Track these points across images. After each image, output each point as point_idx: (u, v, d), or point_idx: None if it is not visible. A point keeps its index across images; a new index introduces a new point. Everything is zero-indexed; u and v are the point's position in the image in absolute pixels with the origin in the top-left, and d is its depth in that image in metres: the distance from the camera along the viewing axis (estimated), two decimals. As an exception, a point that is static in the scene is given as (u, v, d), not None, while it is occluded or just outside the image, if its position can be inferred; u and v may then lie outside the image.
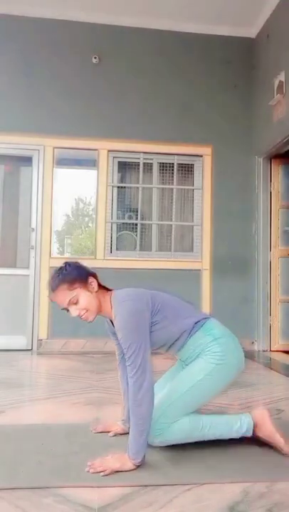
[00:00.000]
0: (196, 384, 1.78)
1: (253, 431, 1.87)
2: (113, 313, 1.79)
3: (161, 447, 1.82)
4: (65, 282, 1.78)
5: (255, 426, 1.86)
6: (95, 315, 1.84)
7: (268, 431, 1.85)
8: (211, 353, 1.81)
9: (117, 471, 1.60)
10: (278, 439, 1.83)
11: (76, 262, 1.88)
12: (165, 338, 1.84)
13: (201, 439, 1.82)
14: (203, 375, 1.79)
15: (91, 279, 1.83)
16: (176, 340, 1.85)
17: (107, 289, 1.89)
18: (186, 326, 1.85)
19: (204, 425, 1.81)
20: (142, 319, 1.72)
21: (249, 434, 1.86)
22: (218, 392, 1.88)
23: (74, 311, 1.80)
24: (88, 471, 1.60)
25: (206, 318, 1.92)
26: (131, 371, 1.67)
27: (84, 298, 1.79)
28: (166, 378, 2.09)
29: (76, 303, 1.79)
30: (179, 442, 1.80)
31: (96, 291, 1.83)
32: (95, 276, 1.87)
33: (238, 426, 1.84)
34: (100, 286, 1.86)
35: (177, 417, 1.76)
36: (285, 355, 4.65)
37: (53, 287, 1.80)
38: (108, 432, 2.02)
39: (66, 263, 1.85)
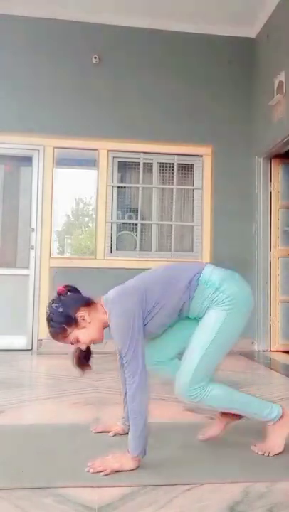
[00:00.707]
0: (215, 337, 1.76)
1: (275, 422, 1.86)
2: (108, 319, 1.78)
3: (161, 447, 1.82)
4: (57, 334, 1.78)
5: (281, 417, 1.85)
6: (102, 336, 1.83)
7: (278, 432, 1.84)
8: (219, 302, 1.78)
9: (117, 471, 1.60)
10: (278, 444, 1.82)
11: (59, 302, 1.78)
12: (168, 315, 1.81)
13: (231, 409, 1.85)
14: (219, 325, 1.76)
15: (80, 314, 1.77)
16: (180, 311, 1.83)
17: (94, 301, 1.84)
18: (182, 294, 1.79)
19: (239, 399, 1.83)
20: (132, 319, 1.70)
21: (272, 422, 1.84)
22: (239, 334, 1.86)
23: (82, 346, 1.82)
24: (88, 471, 1.60)
25: (197, 272, 1.83)
26: (127, 370, 1.68)
27: (83, 335, 1.79)
28: (171, 336, 1.99)
29: (78, 341, 1.80)
30: (215, 406, 1.81)
31: (90, 320, 1.79)
32: (82, 303, 1.80)
33: (267, 411, 1.84)
34: (88, 304, 1.81)
35: (208, 375, 1.77)
36: (285, 355, 4.65)
37: (51, 337, 1.81)
38: (108, 431, 2.02)
39: (51, 310, 1.78)
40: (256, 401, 1.87)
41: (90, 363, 1.88)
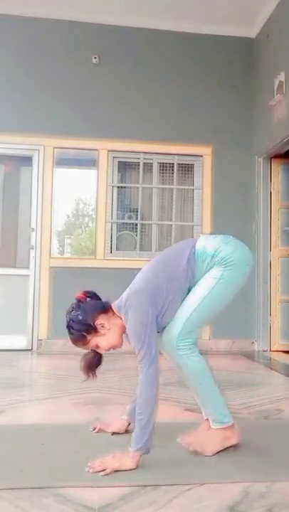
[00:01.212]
0: (210, 292, 1.78)
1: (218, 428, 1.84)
2: (124, 322, 1.79)
3: (161, 447, 1.82)
4: (77, 341, 1.80)
5: (228, 428, 1.84)
6: (122, 341, 1.84)
7: (218, 439, 1.82)
8: (216, 264, 1.81)
9: (117, 471, 1.60)
10: (213, 449, 1.80)
11: (78, 309, 1.79)
12: (179, 302, 1.83)
13: (199, 389, 1.83)
14: (215, 281, 1.79)
15: (99, 321, 1.78)
16: (188, 290, 1.85)
17: (109, 307, 1.83)
18: (185, 276, 1.81)
19: (210, 382, 1.83)
20: (146, 318, 1.72)
21: (219, 426, 1.82)
22: (235, 292, 1.87)
23: (101, 351, 1.83)
24: (88, 471, 1.60)
25: (191, 248, 1.84)
26: (140, 366, 1.70)
27: (102, 342, 1.80)
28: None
29: (98, 347, 1.81)
30: (188, 372, 1.80)
31: (109, 327, 1.79)
32: (101, 310, 1.80)
33: (224, 413, 1.84)
34: (106, 311, 1.81)
35: (197, 328, 1.80)
36: (285, 355, 4.65)
37: (72, 344, 1.82)
38: (107, 430, 2.02)
39: (70, 317, 1.79)
40: (221, 396, 1.86)
41: (98, 371, 1.87)
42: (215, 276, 1.80)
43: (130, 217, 5.02)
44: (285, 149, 4.65)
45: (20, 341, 4.68)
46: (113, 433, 1.99)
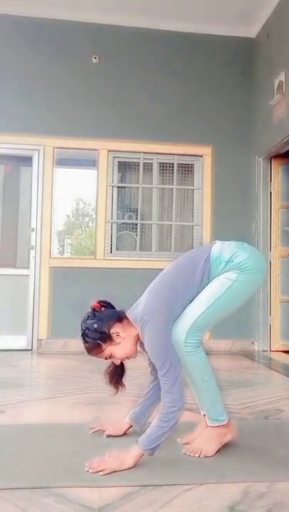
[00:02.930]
0: (224, 293, 1.79)
1: (212, 426, 1.85)
2: (140, 334, 1.79)
3: (161, 447, 1.82)
4: (92, 349, 1.79)
5: (224, 426, 1.84)
6: (136, 351, 1.84)
7: (216, 437, 1.83)
8: (231, 268, 1.81)
9: (116, 470, 1.61)
10: (212, 449, 1.81)
11: (94, 318, 1.79)
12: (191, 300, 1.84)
13: (199, 385, 1.83)
14: (230, 283, 1.80)
15: (114, 330, 1.78)
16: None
17: (124, 315, 1.83)
18: (200, 282, 1.82)
19: (212, 380, 1.84)
20: (166, 337, 1.74)
21: (215, 424, 1.83)
22: (248, 296, 1.89)
23: (116, 361, 1.84)
24: (87, 471, 1.60)
25: (206, 255, 1.84)
26: (164, 380, 1.70)
27: (117, 351, 1.80)
28: None
29: (113, 356, 1.81)
30: (191, 368, 1.80)
31: (124, 336, 1.79)
32: (116, 319, 1.80)
33: (220, 410, 1.85)
34: (121, 320, 1.81)
35: (206, 327, 1.83)
36: (285, 355, 4.64)
37: (87, 352, 1.82)
38: (103, 431, 2.01)
39: (86, 325, 1.79)
40: (219, 394, 1.87)
41: (124, 380, 1.88)
42: (230, 278, 1.80)
43: (130, 217, 5.02)
44: (285, 149, 4.65)
45: (20, 341, 4.68)
46: (108, 436, 1.98)
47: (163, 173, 5.10)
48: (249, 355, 4.53)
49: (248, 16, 4.90)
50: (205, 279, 1.83)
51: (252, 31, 5.11)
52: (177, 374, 1.70)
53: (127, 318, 1.83)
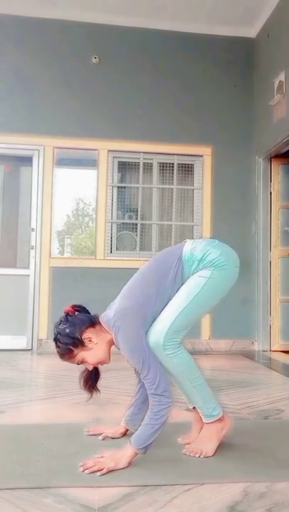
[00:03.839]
0: (199, 292, 1.77)
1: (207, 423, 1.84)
2: (114, 340, 1.78)
3: (161, 447, 1.82)
4: (64, 354, 1.78)
5: (219, 420, 1.84)
6: (109, 357, 1.83)
7: (213, 434, 1.83)
8: (204, 267, 1.80)
9: (112, 470, 1.61)
10: (211, 447, 1.81)
11: (66, 323, 1.77)
12: (166, 303, 1.81)
13: (187, 384, 1.82)
14: (204, 281, 1.78)
15: (86, 335, 1.76)
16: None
17: (97, 320, 1.82)
18: (173, 283, 1.79)
19: (197, 376, 1.82)
20: (140, 340, 1.72)
21: (210, 420, 1.83)
22: (223, 294, 1.86)
23: (89, 366, 1.82)
24: (83, 471, 1.60)
25: (178, 255, 1.83)
26: (146, 382, 1.70)
27: (89, 357, 1.79)
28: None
29: (85, 361, 1.80)
30: (174, 369, 1.78)
31: (97, 342, 1.78)
32: (89, 324, 1.79)
33: (213, 405, 1.84)
34: (94, 325, 1.80)
35: (184, 329, 1.78)
36: (285, 355, 4.64)
37: (59, 357, 1.81)
38: (99, 434, 2.01)
39: (58, 330, 1.78)
40: (209, 389, 1.86)
41: (99, 385, 1.87)
42: (205, 276, 1.78)
43: (130, 217, 5.02)
44: (285, 149, 4.65)
45: (20, 341, 4.68)
46: (104, 438, 1.97)
47: (163, 173, 5.10)
48: (249, 355, 4.53)
49: (248, 16, 4.90)
50: (178, 279, 1.80)
51: (252, 31, 5.11)
52: (159, 374, 1.69)
53: (100, 323, 1.81)
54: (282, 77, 4.39)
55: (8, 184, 5.01)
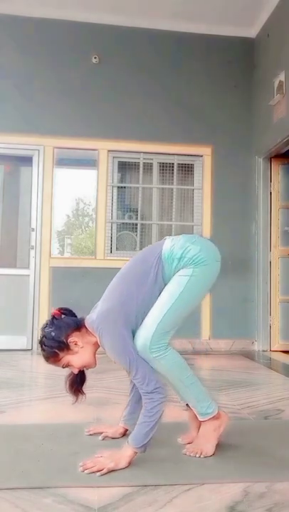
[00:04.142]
0: (182, 292, 1.76)
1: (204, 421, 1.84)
2: (99, 343, 1.78)
3: (161, 447, 1.82)
4: (49, 358, 1.79)
5: (216, 418, 1.84)
6: (95, 361, 1.83)
7: (211, 432, 1.83)
8: (185, 265, 1.79)
9: (112, 470, 1.61)
10: (211, 446, 1.80)
11: (52, 326, 1.77)
12: (151, 305, 1.79)
13: (178, 385, 1.81)
14: (186, 281, 1.76)
15: (72, 339, 1.76)
16: (160, 290, 1.82)
17: (82, 324, 1.81)
18: (154, 282, 1.78)
19: (188, 374, 1.81)
20: (124, 341, 1.72)
21: (205, 418, 1.82)
22: (206, 290, 1.86)
23: (74, 370, 1.82)
24: (83, 471, 1.60)
25: (158, 253, 1.82)
26: (136, 381, 1.70)
27: (74, 361, 1.79)
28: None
29: (70, 365, 1.80)
30: (164, 371, 1.77)
31: (82, 345, 1.78)
32: (75, 328, 1.78)
33: (207, 403, 1.83)
34: (80, 328, 1.79)
35: (171, 330, 1.77)
36: (285, 355, 4.64)
37: (44, 360, 1.81)
38: (100, 433, 2.01)
39: (43, 333, 1.78)
40: (202, 387, 1.85)
41: (84, 388, 1.87)
42: (186, 274, 1.77)
43: (130, 217, 5.02)
44: (285, 149, 4.65)
45: (20, 341, 4.68)
46: (104, 438, 1.97)
47: (163, 173, 5.10)
48: (249, 355, 4.53)
49: (248, 16, 4.90)
50: (159, 278, 1.79)
51: (252, 31, 5.11)
52: (148, 372, 1.69)
53: (86, 327, 1.80)
54: (282, 77, 4.39)
55: (8, 184, 5.01)
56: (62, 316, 1.81)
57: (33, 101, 4.83)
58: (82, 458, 1.70)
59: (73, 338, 1.77)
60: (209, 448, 1.80)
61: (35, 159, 4.83)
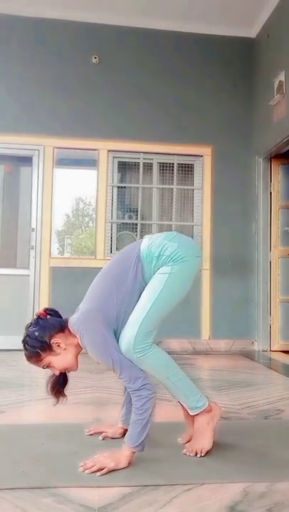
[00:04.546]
0: (161, 290, 1.76)
1: (196, 414, 1.84)
2: (81, 344, 1.78)
3: (161, 447, 1.82)
4: (31, 357, 1.79)
5: (207, 411, 1.84)
6: (76, 364, 1.82)
7: (205, 426, 1.83)
8: (164, 263, 1.79)
9: (113, 470, 1.61)
10: (208, 441, 1.80)
11: (36, 326, 1.77)
12: (133, 305, 1.80)
13: (166, 382, 1.81)
14: (165, 279, 1.76)
15: (55, 340, 1.75)
16: (141, 289, 1.82)
17: (66, 325, 1.80)
18: (134, 281, 1.79)
19: (175, 371, 1.81)
20: (104, 339, 1.72)
21: (196, 411, 1.82)
22: (187, 286, 1.84)
23: (56, 371, 1.82)
24: (83, 471, 1.60)
25: (136, 252, 1.82)
26: (122, 380, 1.71)
27: (56, 362, 1.79)
28: None
29: (51, 366, 1.80)
30: (150, 370, 1.77)
31: (65, 347, 1.77)
32: (59, 329, 1.78)
33: (197, 397, 1.83)
34: (63, 330, 1.79)
35: (153, 329, 1.77)
36: (285, 355, 4.64)
37: (26, 359, 1.82)
38: (100, 433, 2.01)
39: (27, 332, 1.79)
40: (189, 382, 1.85)
41: (66, 390, 1.86)
42: (165, 272, 1.77)
43: (130, 217, 5.02)
44: (285, 149, 4.65)
45: (20, 341, 4.67)
46: (104, 438, 1.98)
47: (163, 173, 5.10)
48: (249, 355, 4.53)
49: (248, 16, 4.90)
50: (139, 277, 1.79)
51: (252, 31, 5.11)
52: (132, 370, 1.69)
53: (69, 328, 1.80)
54: (282, 77, 4.39)
55: (8, 184, 5.01)
56: (48, 316, 1.81)
57: (33, 101, 4.83)
58: (82, 458, 1.70)
59: (56, 340, 1.76)
60: (206, 443, 1.80)
61: (35, 159, 4.83)
